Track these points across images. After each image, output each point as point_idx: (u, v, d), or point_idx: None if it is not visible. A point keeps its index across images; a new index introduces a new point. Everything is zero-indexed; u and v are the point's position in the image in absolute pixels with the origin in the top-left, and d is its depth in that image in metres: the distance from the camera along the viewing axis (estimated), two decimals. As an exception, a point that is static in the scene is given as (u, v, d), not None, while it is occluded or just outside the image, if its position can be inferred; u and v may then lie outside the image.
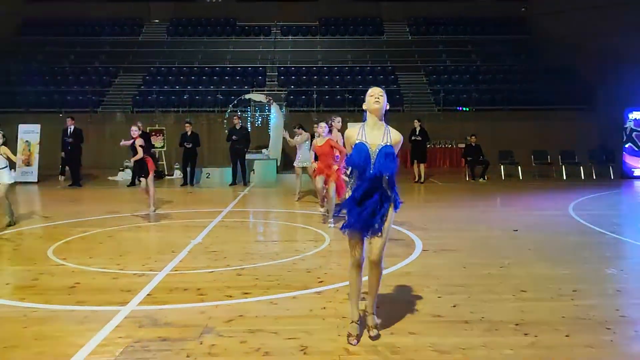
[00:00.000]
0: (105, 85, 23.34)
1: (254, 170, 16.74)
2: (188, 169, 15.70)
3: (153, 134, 17.37)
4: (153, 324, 4.55)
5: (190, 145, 15.45)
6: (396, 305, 5.00)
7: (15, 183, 9.18)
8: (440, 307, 4.92)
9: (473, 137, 16.72)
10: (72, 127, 15.22)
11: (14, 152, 16.21)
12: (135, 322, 4.59)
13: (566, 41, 23.48)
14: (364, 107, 4.25)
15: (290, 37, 26.99)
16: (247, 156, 16.30)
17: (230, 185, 15.65)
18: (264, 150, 18.26)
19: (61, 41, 25.68)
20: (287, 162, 18.45)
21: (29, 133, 16.61)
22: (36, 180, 16.16)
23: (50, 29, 26.04)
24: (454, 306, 4.95)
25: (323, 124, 9.12)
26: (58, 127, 17.51)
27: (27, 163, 16.44)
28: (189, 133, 15.62)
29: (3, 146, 8.87)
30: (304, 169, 12.52)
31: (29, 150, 16.43)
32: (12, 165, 9.44)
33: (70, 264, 6.52)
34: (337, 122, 9.76)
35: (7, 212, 9.06)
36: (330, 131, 9.36)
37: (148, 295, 5.32)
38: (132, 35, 26.90)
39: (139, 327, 4.46)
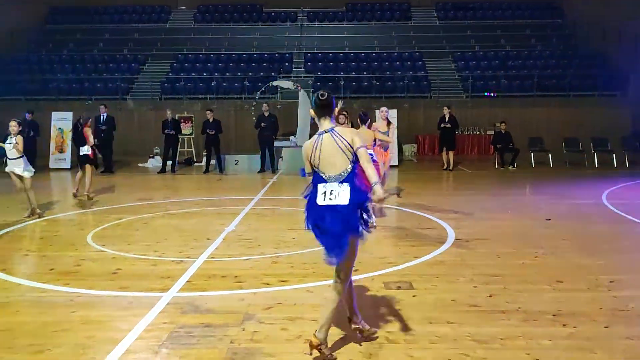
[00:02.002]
0: (134, 73, 23.62)
1: (282, 157, 16.81)
2: (212, 156, 15.87)
3: (182, 121, 17.55)
4: (195, 310, 4.68)
5: (213, 132, 15.59)
6: (432, 295, 5.04)
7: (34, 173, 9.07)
8: (476, 297, 4.95)
9: (503, 124, 16.53)
10: (105, 114, 15.48)
11: (48, 140, 16.72)
12: (178, 308, 4.73)
13: (598, 25, 22.91)
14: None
15: (316, 23, 26.86)
16: (275, 143, 16.38)
17: (259, 172, 15.78)
18: (291, 138, 18.30)
19: (90, 29, 26.01)
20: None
21: (62, 120, 16.95)
22: (69, 167, 16.51)
23: (78, 17, 26.38)
24: (490, 296, 4.97)
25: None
26: (89, 114, 17.83)
27: (60, 150, 16.81)
28: (210, 120, 15.75)
29: (19, 135, 8.80)
30: None
31: (62, 137, 16.78)
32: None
33: (109, 251, 6.70)
34: (384, 110, 9.79)
35: (28, 204, 8.98)
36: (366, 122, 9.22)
37: (187, 282, 5.46)
38: (160, 23, 27.08)
39: (181, 313, 4.60)
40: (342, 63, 23.92)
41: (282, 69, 23.48)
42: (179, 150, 16.84)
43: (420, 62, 23.63)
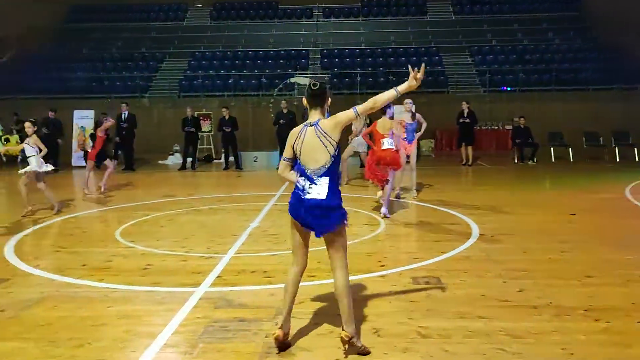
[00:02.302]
0: (152, 71, 23.81)
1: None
2: (230, 153, 15.99)
3: (201, 118, 17.68)
4: (228, 305, 4.76)
5: (229, 130, 15.68)
6: (461, 290, 5.06)
7: (47, 172, 9.20)
8: (506, 292, 4.96)
9: (522, 118, 16.43)
10: (126, 112, 15.65)
11: (69, 137, 16.95)
12: (211, 303, 4.80)
13: (616, 18, 22.62)
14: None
15: (332, 19, 26.86)
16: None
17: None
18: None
19: (108, 28, 26.26)
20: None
21: (83, 119, 17.17)
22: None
23: (97, 16, 26.64)
24: (520, 291, 4.98)
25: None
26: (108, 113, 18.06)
27: (82, 148, 17.00)
28: (226, 117, 15.86)
29: (34, 135, 8.95)
30: (355, 154, 12.66)
31: (84, 135, 16.97)
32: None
33: (138, 247, 6.81)
34: (409, 103, 9.82)
35: (24, 201, 9.04)
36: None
37: (218, 277, 5.54)
38: (177, 21, 27.27)
39: (215, 308, 4.67)
40: (358, 59, 23.91)
41: (298, 65, 23.53)
42: (198, 147, 16.97)
43: (437, 57, 23.53)
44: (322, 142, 3.75)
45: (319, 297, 4.91)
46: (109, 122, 11.43)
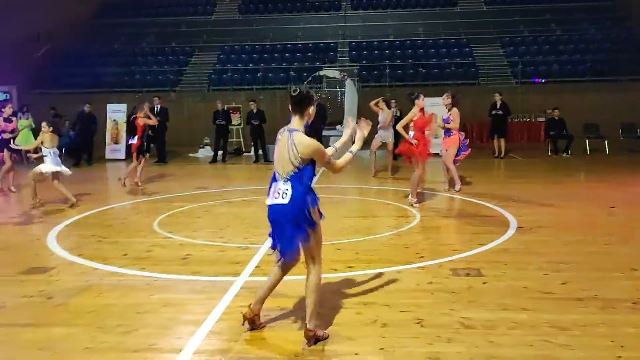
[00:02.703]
0: (182, 65, 24.05)
1: (329, 146, 16.86)
2: (258, 146, 16.07)
3: (231, 111, 17.79)
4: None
5: (257, 123, 15.74)
6: (503, 282, 5.00)
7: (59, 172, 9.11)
8: (549, 284, 4.89)
9: (556, 110, 16.12)
10: (159, 105, 15.84)
11: (103, 132, 17.24)
12: (251, 292, 4.82)
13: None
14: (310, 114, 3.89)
15: (360, 11, 26.68)
16: (323, 133, 16.44)
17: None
18: (338, 127, 18.34)
19: (139, 23, 26.57)
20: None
21: (116, 112, 17.45)
22: (124, 158, 17.00)
23: (128, 11, 26.98)
24: (564, 283, 4.90)
25: (421, 96, 9.08)
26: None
27: (116, 141, 17.31)
28: (254, 111, 15.92)
29: (48, 134, 9.02)
30: (383, 145, 12.58)
31: (117, 128, 17.28)
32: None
33: (177, 237, 6.91)
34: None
35: (32, 195, 9.17)
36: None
37: (257, 267, 5.59)
38: (205, 15, 27.44)
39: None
40: (387, 51, 23.73)
41: (326, 58, 23.48)
42: (228, 140, 17.10)
43: (467, 49, 23.21)
44: (289, 152, 3.71)
45: (359, 288, 4.92)
46: (147, 107, 11.60)
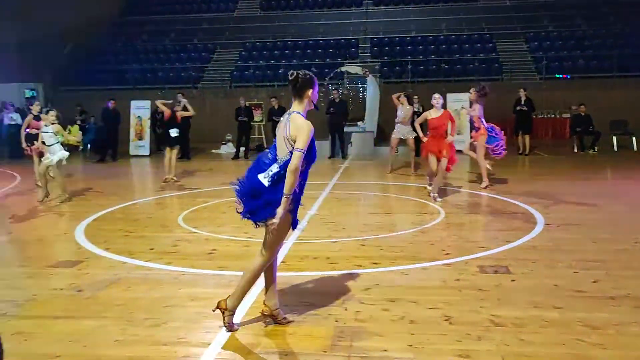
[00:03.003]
0: (204, 62, 24.19)
1: (351, 142, 16.83)
2: None
3: (253, 108, 17.85)
4: (295, 290, 4.80)
5: (278, 119, 15.73)
6: (532, 280, 4.93)
7: (61, 161, 9.15)
8: (580, 282, 4.80)
9: (582, 106, 15.85)
10: (183, 102, 15.92)
11: (127, 128, 17.43)
12: (277, 287, 4.83)
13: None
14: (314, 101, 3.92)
15: (382, 7, 26.53)
16: (345, 129, 16.41)
17: (329, 158, 15.86)
18: (359, 123, 18.28)
19: (161, 20, 26.80)
20: (381, 134, 18.37)
21: (140, 109, 17.62)
22: (148, 154, 17.18)
23: (151, 9, 27.23)
24: (595, 282, 4.81)
25: (438, 95, 8.96)
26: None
27: (140, 137, 17.49)
28: (276, 107, 15.93)
29: (57, 125, 9.13)
30: (402, 141, 12.53)
31: (141, 125, 17.45)
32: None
33: (202, 232, 6.95)
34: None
35: (43, 187, 9.25)
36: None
37: (282, 262, 5.58)
38: (227, 12, 27.54)
39: (283, 292, 4.70)
40: (409, 47, 23.56)
41: (348, 54, 23.40)
42: (250, 136, 17.16)
43: (490, 44, 22.93)
44: (285, 132, 3.74)
45: (384, 284, 4.88)
46: (180, 104, 11.72)
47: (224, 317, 3.92)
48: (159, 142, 11.01)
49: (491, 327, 3.94)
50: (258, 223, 3.86)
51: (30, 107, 11.07)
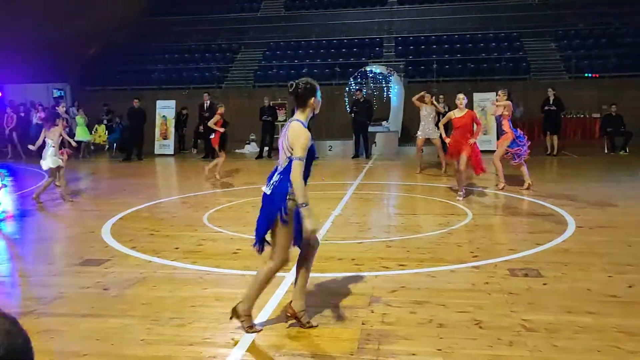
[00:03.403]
0: (228, 62, 24.30)
1: (375, 142, 16.73)
2: None
3: (277, 107, 17.86)
4: (320, 291, 4.74)
5: None
6: (564, 284, 4.79)
7: (59, 167, 9.07)
8: (614, 287, 4.65)
9: (613, 106, 15.47)
10: (208, 101, 16.06)
11: (153, 127, 17.60)
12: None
13: None
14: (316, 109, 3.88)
15: (407, 5, 26.32)
16: (369, 129, 16.30)
17: (353, 157, 15.78)
18: (384, 123, 18.16)
19: (186, 20, 27.01)
20: (405, 134, 18.23)
21: (165, 109, 17.77)
22: (172, 153, 17.32)
23: (176, 9, 27.47)
24: (630, 286, 4.66)
25: (462, 96, 8.82)
26: (185, 103, 18.71)
27: (164, 137, 17.64)
28: None
29: (56, 128, 9.04)
30: (428, 141, 12.42)
31: (166, 124, 17.60)
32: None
33: (227, 231, 6.94)
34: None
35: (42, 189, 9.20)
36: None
37: (307, 263, 5.52)
38: (252, 12, 27.63)
39: (308, 294, 4.64)
40: (434, 46, 23.31)
41: (372, 53, 23.26)
42: (275, 136, 17.17)
43: (517, 43, 22.57)
44: (284, 140, 3.75)
45: (411, 286, 4.80)
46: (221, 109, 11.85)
47: (242, 324, 3.90)
48: (221, 145, 11.37)
49: (523, 332, 3.82)
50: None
51: (57, 107, 11.22)
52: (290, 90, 3.81)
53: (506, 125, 9.48)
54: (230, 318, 3.93)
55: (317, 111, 3.89)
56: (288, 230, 3.79)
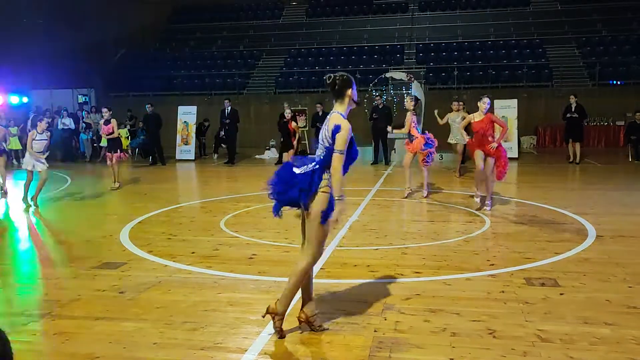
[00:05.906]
0: (250, 68, 24.49)
1: (394, 149, 16.66)
2: None
3: (297, 114, 17.90)
4: (333, 297, 4.72)
5: (321, 125, 15.70)
6: (582, 294, 4.70)
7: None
8: (634, 298, 4.55)
9: (637, 113, 15.18)
10: (229, 107, 16.19)
11: (174, 133, 17.79)
12: (316, 294, 4.76)
13: None
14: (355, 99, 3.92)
15: (428, 12, 26.25)
16: (388, 135, 16.23)
17: (372, 164, 15.74)
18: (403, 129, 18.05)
19: (209, 27, 27.32)
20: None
21: (187, 114, 17.94)
22: (193, 159, 17.47)
23: (198, 16, 27.80)
24: (651, 298, 4.55)
25: (486, 99, 8.65)
26: (206, 109, 18.89)
27: (186, 142, 17.80)
28: (320, 113, 15.93)
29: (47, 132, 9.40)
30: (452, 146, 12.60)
31: (187, 130, 17.77)
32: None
33: (243, 237, 6.98)
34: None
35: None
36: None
37: (321, 269, 5.52)
38: (273, 19, 27.83)
39: (321, 300, 4.64)
40: (456, 53, 23.19)
41: (393, 60, 23.23)
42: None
43: (540, 50, 22.33)
44: (324, 131, 3.82)
45: (426, 294, 4.76)
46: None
47: (274, 322, 3.91)
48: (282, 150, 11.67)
49: (537, 342, 3.76)
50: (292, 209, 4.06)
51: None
52: (327, 82, 3.89)
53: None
54: (263, 316, 3.95)
55: (355, 102, 3.92)
56: (324, 227, 3.81)
